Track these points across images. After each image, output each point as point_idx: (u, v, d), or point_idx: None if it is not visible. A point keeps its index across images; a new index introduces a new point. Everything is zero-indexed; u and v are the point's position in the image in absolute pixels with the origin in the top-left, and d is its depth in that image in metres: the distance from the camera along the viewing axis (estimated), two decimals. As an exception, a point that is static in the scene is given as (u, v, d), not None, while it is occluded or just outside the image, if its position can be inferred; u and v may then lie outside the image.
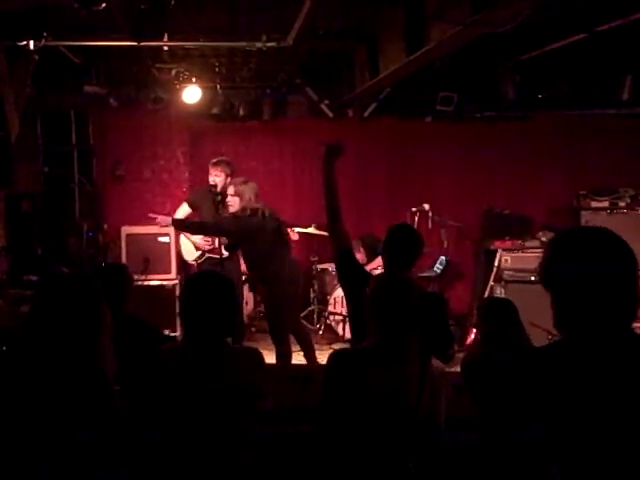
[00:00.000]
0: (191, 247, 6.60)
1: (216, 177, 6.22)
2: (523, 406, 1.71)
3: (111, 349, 2.58)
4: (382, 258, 3.69)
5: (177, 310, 7.20)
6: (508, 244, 7.19)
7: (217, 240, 6.06)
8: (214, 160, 6.35)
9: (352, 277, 3.58)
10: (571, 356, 1.70)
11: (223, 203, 6.12)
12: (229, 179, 6.21)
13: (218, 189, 6.17)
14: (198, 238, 6.45)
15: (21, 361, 2.50)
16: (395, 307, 2.67)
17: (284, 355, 5.51)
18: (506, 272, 6.86)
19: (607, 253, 1.73)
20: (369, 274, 3.72)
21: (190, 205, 6.58)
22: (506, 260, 7.08)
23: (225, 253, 6.14)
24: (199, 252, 6.49)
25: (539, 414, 1.68)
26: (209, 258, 6.36)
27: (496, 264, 7.11)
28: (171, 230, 7.40)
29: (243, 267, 7.03)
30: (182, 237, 6.72)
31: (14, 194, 7.09)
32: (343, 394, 2.60)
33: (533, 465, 1.68)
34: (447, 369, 4.43)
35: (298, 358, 5.91)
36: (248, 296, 7.65)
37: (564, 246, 1.81)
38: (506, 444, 1.71)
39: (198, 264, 6.55)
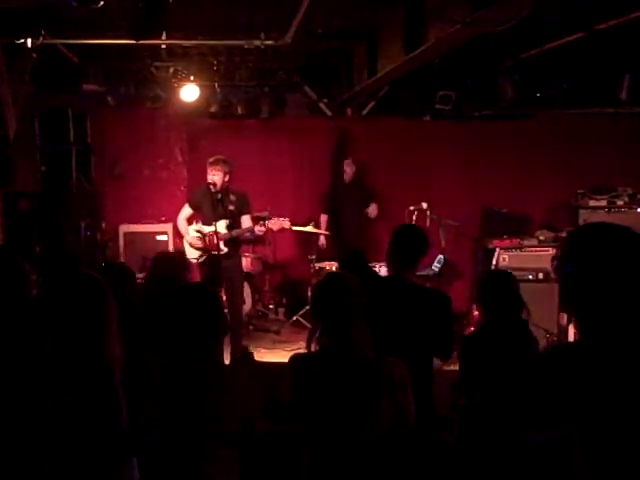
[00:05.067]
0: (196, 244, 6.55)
1: (214, 176, 6.21)
2: (545, 407, 1.68)
3: (117, 339, 2.61)
4: (386, 258, 3.69)
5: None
6: (506, 243, 7.19)
7: (215, 236, 6.05)
8: (211, 159, 6.34)
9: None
10: (592, 356, 1.66)
11: (223, 202, 6.17)
12: (227, 177, 6.25)
13: (217, 188, 6.19)
14: (192, 237, 6.45)
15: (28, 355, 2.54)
16: (332, 309, 2.59)
17: None
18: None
19: (625, 249, 1.68)
20: (374, 272, 3.74)
21: (191, 206, 6.58)
22: (504, 259, 7.07)
23: (224, 249, 6.16)
24: (200, 251, 6.47)
25: (561, 415, 1.65)
26: (210, 255, 6.34)
27: (494, 263, 7.11)
28: (169, 228, 7.42)
29: (245, 263, 7.08)
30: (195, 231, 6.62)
31: (12, 193, 7.08)
32: (304, 396, 2.55)
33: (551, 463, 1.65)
34: (445, 367, 4.45)
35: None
36: (247, 294, 7.65)
37: (584, 241, 1.75)
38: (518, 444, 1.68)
39: (200, 263, 6.51)
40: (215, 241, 6.07)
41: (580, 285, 1.70)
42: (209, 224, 6.26)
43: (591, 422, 1.62)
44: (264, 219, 6.58)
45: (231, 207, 6.27)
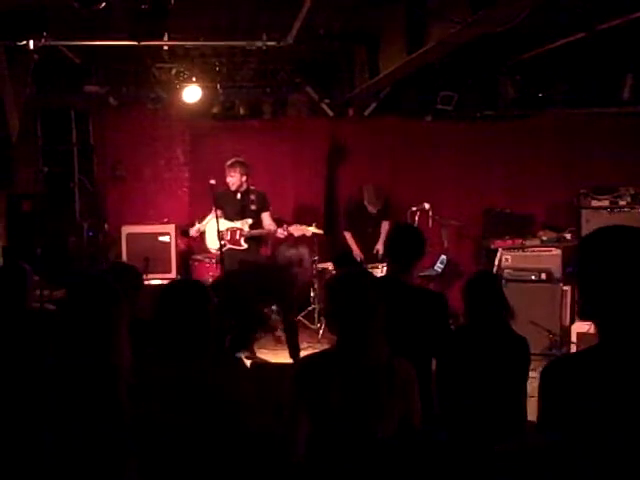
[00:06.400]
0: (214, 236, 6.58)
1: (231, 178, 6.57)
2: (554, 412, 1.66)
3: (127, 343, 2.60)
4: (385, 258, 3.70)
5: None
6: (508, 243, 7.18)
7: (238, 232, 6.53)
8: (229, 162, 6.65)
9: None
10: (608, 361, 1.64)
11: (244, 201, 6.57)
12: (244, 178, 6.59)
13: (234, 189, 6.58)
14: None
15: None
16: (349, 306, 2.52)
17: None
18: (506, 271, 6.85)
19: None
20: (371, 274, 3.71)
21: (215, 205, 6.58)
22: (507, 259, 7.07)
23: (244, 245, 6.53)
24: (222, 242, 6.53)
25: (572, 420, 1.63)
26: (229, 249, 6.57)
27: (496, 263, 7.10)
28: (171, 229, 7.44)
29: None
30: (208, 226, 6.81)
31: (14, 194, 7.09)
32: (309, 402, 2.49)
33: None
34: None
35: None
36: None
37: (602, 244, 1.71)
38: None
39: (219, 255, 6.58)
40: (237, 237, 6.56)
41: (603, 287, 1.66)
42: (230, 220, 6.62)
43: (612, 427, 1.59)
44: (286, 223, 6.86)
45: (252, 207, 6.63)
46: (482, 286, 3.51)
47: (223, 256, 6.44)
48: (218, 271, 6.68)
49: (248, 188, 6.66)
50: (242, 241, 6.58)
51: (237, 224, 6.59)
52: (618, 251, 1.66)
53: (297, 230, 6.67)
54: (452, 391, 3.36)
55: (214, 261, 6.97)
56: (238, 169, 6.56)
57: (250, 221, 6.62)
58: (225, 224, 6.66)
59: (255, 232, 6.61)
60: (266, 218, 6.71)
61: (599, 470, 1.59)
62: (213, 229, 6.66)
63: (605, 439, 1.60)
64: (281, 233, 6.61)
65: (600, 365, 1.65)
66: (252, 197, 6.65)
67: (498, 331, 3.39)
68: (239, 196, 6.57)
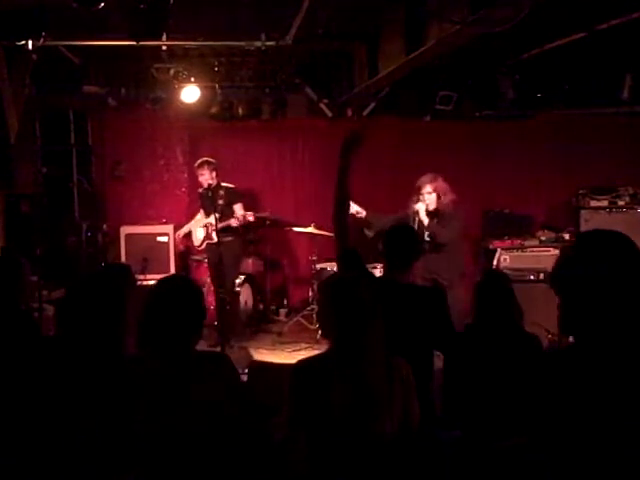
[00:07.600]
0: (199, 233, 7.30)
1: (202, 177, 6.95)
2: (532, 412, 1.68)
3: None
4: (382, 259, 3.70)
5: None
6: (507, 243, 7.20)
7: (210, 227, 6.94)
8: (197, 163, 7.03)
9: None
10: (580, 362, 1.66)
11: (213, 197, 6.88)
12: (214, 174, 6.97)
13: (205, 186, 6.94)
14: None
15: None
16: (344, 309, 2.52)
17: None
18: (505, 271, 6.85)
19: (616, 255, 1.69)
20: (370, 272, 3.72)
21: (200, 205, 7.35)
22: (505, 259, 7.07)
23: (216, 238, 6.69)
24: (201, 237, 7.24)
25: (548, 421, 1.64)
26: (208, 244, 7.09)
27: (495, 263, 7.10)
28: (170, 230, 7.47)
29: (246, 264, 7.57)
30: (194, 225, 7.40)
31: (13, 194, 7.08)
32: (308, 406, 2.48)
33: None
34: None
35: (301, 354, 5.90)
36: (248, 295, 7.65)
37: (573, 248, 1.77)
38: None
39: (201, 249, 7.33)
40: (210, 231, 6.97)
41: (575, 289, 1.71)
42: (206, 216, 7.14)
43: (572, 428, 1.61)
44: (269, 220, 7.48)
45: (220, 201, 6.99)
46: (493, 287, 3.51)
47: (206, 252, 7.17)
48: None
49: (218, 184, 7.00)
50: (213, 235, 6.80)
51: (209, 219, 6.92)
52: (588, 255, 1.71)
53: (247, 216, 6.97)
54: (462, 391, 3.35)
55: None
56: (206, 167, 6.92)
57: (217, 215, 6.80)
58: (203, 221, 7.24)
59: (220, 224, 6.82)
60: (237, 210, 7.06)
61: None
62: (197, 227, 7.36)
63: (578, 437, 1.61)
64: (233, 222, 6.95)
65: (576, 363, 1.67)
66: (221, 192, 7.00)
67: (510, 330, 3.39)
68: (210, 193, 6.90)
